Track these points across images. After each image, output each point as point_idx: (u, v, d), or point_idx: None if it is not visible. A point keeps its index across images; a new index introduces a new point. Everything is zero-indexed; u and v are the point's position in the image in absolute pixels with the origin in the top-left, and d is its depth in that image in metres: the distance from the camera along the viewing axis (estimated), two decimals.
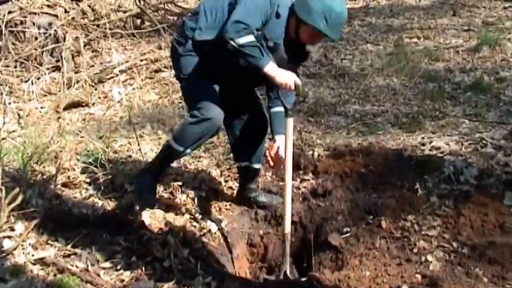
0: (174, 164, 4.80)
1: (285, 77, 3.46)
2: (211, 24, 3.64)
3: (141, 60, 7.36)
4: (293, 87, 3.50)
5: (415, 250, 3.56)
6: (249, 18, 3.40)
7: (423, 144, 4.83)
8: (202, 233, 4.00)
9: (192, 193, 4.38)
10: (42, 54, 7.12)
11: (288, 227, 3.66)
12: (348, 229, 3.92)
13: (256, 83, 4.01)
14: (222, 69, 3.71)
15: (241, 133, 4.11)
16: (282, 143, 3.78)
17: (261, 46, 3.43)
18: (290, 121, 3.67)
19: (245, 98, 4.09)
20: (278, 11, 3.52)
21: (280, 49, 3.64)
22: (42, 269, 3.56)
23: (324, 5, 3.42)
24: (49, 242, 3.88)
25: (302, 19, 3.49)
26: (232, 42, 3.35)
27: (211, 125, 3.63)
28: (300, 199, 4.28)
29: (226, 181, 4.55)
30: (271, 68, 3.44)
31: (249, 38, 3.37)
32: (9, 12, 7.20)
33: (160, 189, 4.50)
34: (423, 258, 3.46)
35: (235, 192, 4.39)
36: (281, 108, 3.84)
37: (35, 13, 7.35)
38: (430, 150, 4.72)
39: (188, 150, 3.81)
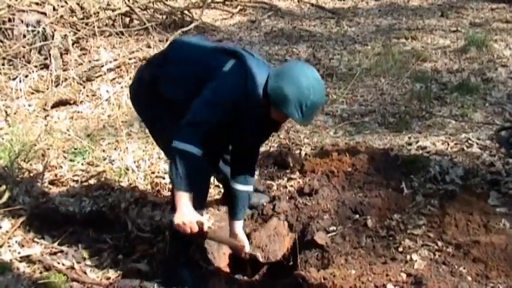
0: (162, 163, 4.82)
1: (182, 219, 3.01)
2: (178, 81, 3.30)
3: (130, 59, 7.34)
4: (188, 232, 3.05)
5: (401, 249, 3.56)
6: (209, 116, 3.08)
7: (410, 144, 4.86)
8: None
9: None
10: (30, 52, 7.10)
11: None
12: (334, 228, 3.92)
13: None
14: None
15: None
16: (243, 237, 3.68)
17: (198, 169, 3.07)
18: None
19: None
20: (253, 97, 3.18)
21: (252, 128, 3.35)
22: (28, 267, 3.57)
23: (302, 94, 3.07)
24: (35, 239, 3.89)
25: (275, 105, 3.16)
26: (175, 144, 3.00)
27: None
28: (287, 198, 4.29)
29: (213, 180, 4.54)
30: (180, 201, 3.02)
31: (192, 150, 3.00)
32: None
33: (147, 187, 4.52)
34: (408, 257, 3.47)
35: (222, 190, 4.39)
36: (249, 188, 3.63)
37: (23, 10, 7.32)
38: (417, 150, 4.75)
39: (202, 212, 3.46)
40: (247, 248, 3.66)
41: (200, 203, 3.26)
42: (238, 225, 3.70)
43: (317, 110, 3.28)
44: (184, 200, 3.02)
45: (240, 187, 3.61)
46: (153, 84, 3.35)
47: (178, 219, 3.03)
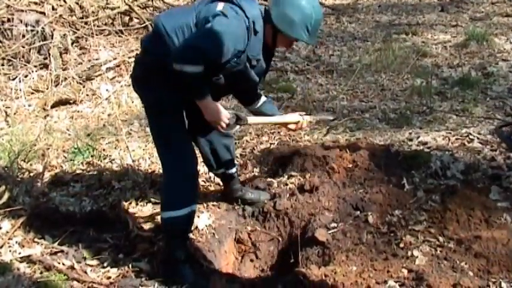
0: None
1: (214, 116, 3.36)
2: None
3: (129, 58, 7.33)
4: (222, 127, 3.44)
5: (402, 245, 3.56)
6: (211, 47, 3.16)
7: (410, 140, 4.84)
8: None
9: None
10: (29, 51, 7.10)
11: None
12: (335, 224, 3.92)
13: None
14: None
15: (211, 147, 3.98)
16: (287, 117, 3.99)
17: (203, 80, 3.22)
18: None
19: None
20: (255, 28, 3.30)
21: (261, 62, 3.47)
22: (28, 267, 3.56)
23: (305, 15, 3.29)
24: (36, 239, 3.88)
25: (283, 32, 3.35)
26: (177, 67, 3.12)
27: (192, 176, 3.60)
28: (287, 195, 4.27)
29: (213, 178, 4.54)
30: (206, 104, 3.30)
31: (196, 69, 3.13)
32: None
33: (148, 186, 4.50)
34: (409, 253, 3.46)
35: (222, 188, 4.38)
36: (264, 98, 3.85)
37: (22, 10, 7.32)
38: (417, 145, 4.73)
39: (193, 207, 3.62)
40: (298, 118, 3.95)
41: None
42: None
43: (320, 26, 3.54)
44: (210, 102, 3.32)
45: (260, 101, 3.83)
46: (160, 66, 3.29)
47: (213, 116, 3.37)
